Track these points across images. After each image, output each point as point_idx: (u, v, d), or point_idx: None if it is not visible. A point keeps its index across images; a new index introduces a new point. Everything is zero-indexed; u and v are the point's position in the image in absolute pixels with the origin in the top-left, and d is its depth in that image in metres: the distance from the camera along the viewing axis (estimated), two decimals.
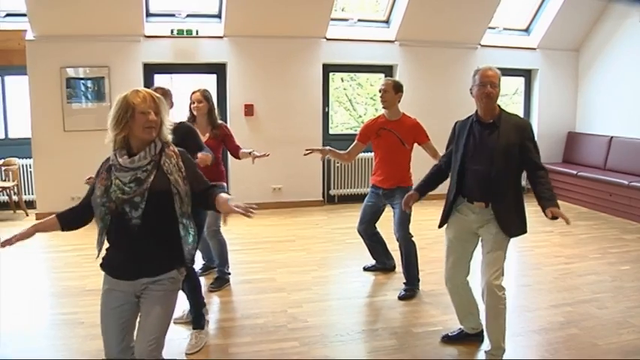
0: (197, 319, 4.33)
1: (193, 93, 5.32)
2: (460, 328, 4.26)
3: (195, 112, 5.31)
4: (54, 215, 3.00)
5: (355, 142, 5.57)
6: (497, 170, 3.72)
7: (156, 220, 2.78)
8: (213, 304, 5.10)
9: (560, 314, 4.79)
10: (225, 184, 5.29)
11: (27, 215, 8.38)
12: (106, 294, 2.88)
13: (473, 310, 4.15)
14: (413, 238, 5.25)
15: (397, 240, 5.28)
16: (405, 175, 5.36)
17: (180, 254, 2.87)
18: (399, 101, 5.32)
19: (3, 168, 8.44)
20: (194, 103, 5.28)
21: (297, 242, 7.12)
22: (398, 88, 5.30)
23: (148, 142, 2.83)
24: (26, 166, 8.62)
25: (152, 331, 2.80)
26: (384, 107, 5.37)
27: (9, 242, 2.86)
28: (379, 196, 5.44)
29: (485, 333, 4.00)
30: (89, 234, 7.40)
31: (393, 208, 5.37)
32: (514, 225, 3.80)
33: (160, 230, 2.81)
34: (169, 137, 2.93)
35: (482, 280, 3.80)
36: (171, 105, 4.54)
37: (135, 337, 2.87)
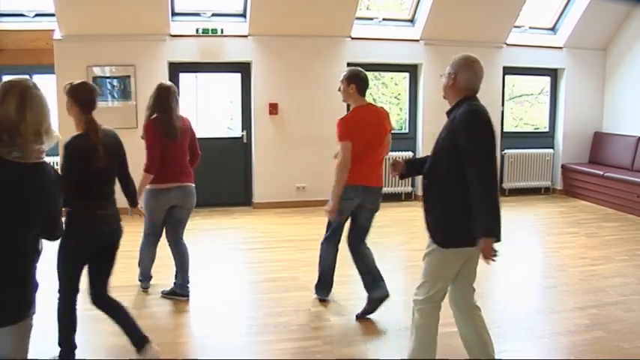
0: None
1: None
2: None
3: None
4: None
5: None
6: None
7: None
8: (238, 302, 5.15)
9: (586, 316, 4.73)
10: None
11: None
12: None
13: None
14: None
15: (357, 249, 4.94)
16: None
17: None
18: None
19: None
20: None
21: None
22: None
23: None
24: (53, 163, 8.69)
25: None
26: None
27: None
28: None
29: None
30: None
31: (363, 212, 4.96)
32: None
33: None
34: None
35: None
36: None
37: None
